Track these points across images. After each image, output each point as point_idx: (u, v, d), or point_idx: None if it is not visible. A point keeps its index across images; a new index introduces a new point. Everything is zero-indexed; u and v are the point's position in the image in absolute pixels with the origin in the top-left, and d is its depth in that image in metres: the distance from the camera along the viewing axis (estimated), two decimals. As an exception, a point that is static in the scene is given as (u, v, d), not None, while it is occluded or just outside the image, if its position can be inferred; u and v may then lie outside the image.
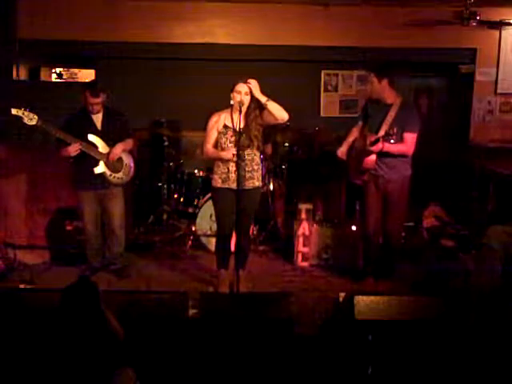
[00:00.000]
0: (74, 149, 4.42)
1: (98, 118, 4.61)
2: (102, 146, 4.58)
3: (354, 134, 4.65)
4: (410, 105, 4.51)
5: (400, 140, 4.32)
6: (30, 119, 4.30)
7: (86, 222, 4.74)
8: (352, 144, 4.63)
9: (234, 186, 4.24)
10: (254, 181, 4.35)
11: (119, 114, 4.75)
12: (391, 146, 4.26)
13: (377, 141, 4.26)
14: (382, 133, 4.28)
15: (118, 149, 4.62)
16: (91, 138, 4.54)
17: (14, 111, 4.29)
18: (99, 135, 4.58)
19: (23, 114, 4.29)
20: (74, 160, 4.58)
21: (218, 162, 4.35)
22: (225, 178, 4.30)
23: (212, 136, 4.36)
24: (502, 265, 4.00)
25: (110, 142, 4.61)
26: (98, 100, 4.52)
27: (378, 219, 4.54)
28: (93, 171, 4.54)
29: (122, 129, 4.71)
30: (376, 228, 4.56)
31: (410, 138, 4.34)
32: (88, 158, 4.53)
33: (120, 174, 4.69)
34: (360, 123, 4.65)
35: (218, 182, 4.35)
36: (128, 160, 4.75)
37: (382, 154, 4.34)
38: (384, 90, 4.39)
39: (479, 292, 3.84)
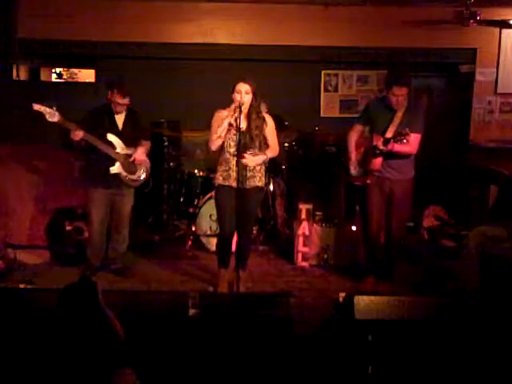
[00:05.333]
0: (77, 135, 4.35)
1: (120, 119, 4.62)
2: (120, 147, 4.58)
3: (353, 142, 4.64)
4: (415, 106, 4.55)
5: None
6: (52, 116, 4.28)
7: (93, 221, 4.72)
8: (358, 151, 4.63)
9: (234, 184, 4.24)
10: (256, 181, 4.36)
11: (139, 115, 4.77)
12: (399, 146, 4.31)
13: (388, 141, 4.29)
14: (389, 134, 4.31)
15: (143, 154, 4.66)
16: (110, 137, 4.53)
17: (36, 107, 4.26)
18: (119, 135, 4.58)
19: (45, 110, 4.26)
20: (89, 158, 4.57)
21: (220, 160, 4.36)
22: (226, 175, 4.31)
23: (215, 129, 4.35)
24: (479, 265, 4.02)
25: (128, 143, 4.62)
26: (126, 101, 4.55)
27: (381, 220, 4.56)
28: (108, 171, 4.54)
29: (141, 131, 4.74)
30: (379, 229, 4.58)
31: (415, 138, 4.37)
32: (104, 158, 4.52)
33: (135, 176, 4.69)
34: (358, 127, 4.67)
35: (219, 179, 4.36)
36: (144, 162, 4.75)
37: (388, 156, 4.38)
38: (405, 99, 4.41)
39: (461, 293, 3.87)
